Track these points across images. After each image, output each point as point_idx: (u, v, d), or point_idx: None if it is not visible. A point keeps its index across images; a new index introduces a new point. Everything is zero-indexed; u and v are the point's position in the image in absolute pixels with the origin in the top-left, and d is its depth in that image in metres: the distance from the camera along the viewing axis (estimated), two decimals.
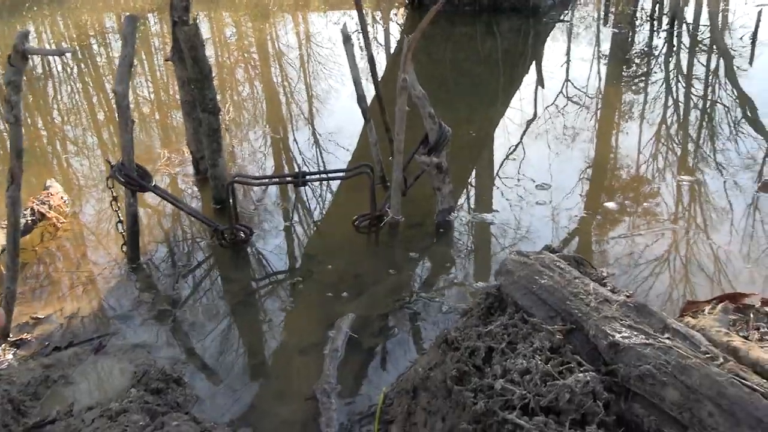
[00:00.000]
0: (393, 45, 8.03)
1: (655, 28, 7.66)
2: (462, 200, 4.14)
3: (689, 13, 8.16)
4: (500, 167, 4.53)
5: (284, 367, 2.86)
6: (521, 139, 4.96)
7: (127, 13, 10.28)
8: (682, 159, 4.55)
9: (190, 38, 3.43)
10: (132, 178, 3.37)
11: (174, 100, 6.59)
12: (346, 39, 3.73)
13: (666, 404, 1.78)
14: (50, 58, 8.20)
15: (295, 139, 5.30)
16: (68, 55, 8.18)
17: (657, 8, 8.24)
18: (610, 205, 3.91)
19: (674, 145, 4.83)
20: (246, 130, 5.55)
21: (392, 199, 3.69)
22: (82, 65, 8.02)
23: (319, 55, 7.76)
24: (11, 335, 3.03)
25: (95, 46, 8.86)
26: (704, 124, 5.13)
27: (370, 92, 4.72)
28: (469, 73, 6.65)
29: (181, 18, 3.51)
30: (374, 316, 3.10)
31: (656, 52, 6.92)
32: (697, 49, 6.90)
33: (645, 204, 3.94)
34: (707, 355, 1.82)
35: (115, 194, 3.45)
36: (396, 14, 9.32)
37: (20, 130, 2.49)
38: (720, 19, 7.95)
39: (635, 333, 1.95)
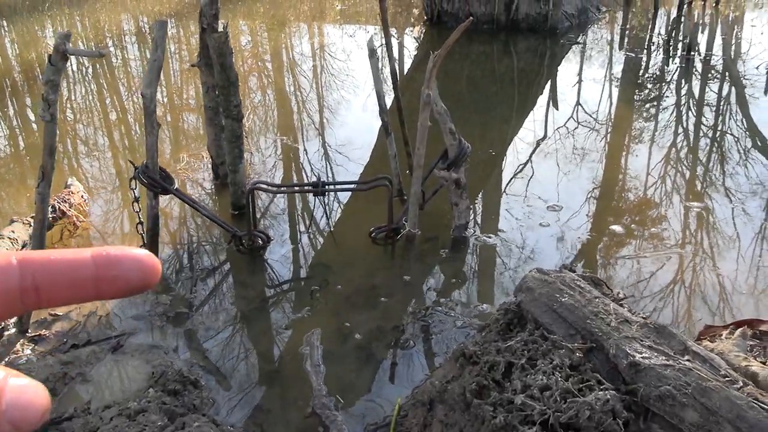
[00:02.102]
0: (407, 60, 8.11)
1: (669, 54, 7.73)
2: (473, 216, 4.18)
3: (704, 41, 8.24)
4: (508, 184, 4.57)
5: (298, 375, 2.89)
6: (530, 157, 5.01)
7: (144, 17, 10.39)
8: (690, 184, 4.59)
9: (220, 45, 3.49)
10: (155, 181, 3.41)
11: (188, 104, 6.66)
12: (372, 53, 3.79)
13: (685, 425, 1.81)
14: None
15: (305, 149, 5.36)
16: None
17: (672, 34, 8.33)
18: (617, 228, 3.95)
19: (683, 169, 4.87)
20: (257, 137, 5.61)
21: (410, 212, 3.73)
22: (97, 65, 8.10)
23: (332, 66, 7.84)
24: (30, 331, 3.07)
25: (111, 48, 8.95)
26: (714, 149, 5.17)
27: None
28: (485, 90, 6.71)
29: (210, 25, 3.57)
30: (389, 327, 3.13)
31: (669, 78, 6.99)
32: (709, 76, 6.97)
33: (652, 228, 3.97)
34: (727, 379, 1.85)
35: (137, 195, 3.50)
36: (412, 30, 9.40)
37: (55, 128, 2.54)
38: (734, 47, 8.02)
39: (655, 354, 1.98)
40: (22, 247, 3.58)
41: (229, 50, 3.54)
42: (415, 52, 8.37)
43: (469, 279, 3.54)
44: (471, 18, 3.23)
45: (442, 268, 3.62)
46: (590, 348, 2.12)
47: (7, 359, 2.89)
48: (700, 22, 9.13)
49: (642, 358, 1.96)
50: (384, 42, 4.24)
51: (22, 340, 3.02)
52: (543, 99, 6.52)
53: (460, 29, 3.09)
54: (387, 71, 4.32)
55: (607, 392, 1.94)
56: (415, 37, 9.09)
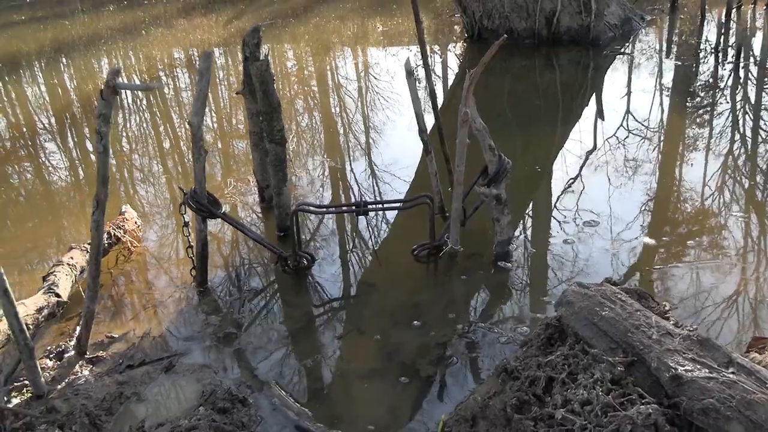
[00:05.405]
0: (450, 77, 8.15)
1: (719, 61, 7.55)
2: (519, 232, 4.16)
3: (756, 45, 8.02)
4: (558, 200, 4.54)
5: (344, 393, 2.93)
6: (580, 171, 4.96)
7: (193, 48, 10.75)
8: (749, 193, 4.46)
9: (262, 73, 3.61)
10: (203, 205, 3.53)
11: (236, 130, 6.85)
12: (409, 74, 3.85)
13: None
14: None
15: (352, 169, 5.43)
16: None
17: (722, 40, 8.13)
18: (668, 239, 3.87)
19: (741, 178, 4.74)
20: (304, 159, 5.73)
21: (451, 229, 3.75)
22: (151, 97, 8.40)
23: (377, 87, 7.94)
24: (88, 352, 3.21)
25: (164, 78, 9.28)
26: None
27: (427, 124, 4.80)
28: (528, 105, 6.69)
29: (252, 54, 3.69)
30: (432, 344, 3.15)
31: (722, 85, 6.82)
32: (766, 80, 6.76)
33: (708, 238, 3.88)
34: None
35: (187, 220, 3.62)
36: (454, 47, 9.46)
37: (108, 159, 2.68)
38: None
39: (698, 366, 1.94)
40: (81, 272, 3.75)
41: (271, 77, 3.65)
42: (457, 70, 8.41)
43: (512, 294, 3.53)
44: (505, 36, 3.25)
45: (485, 284, 3.62)
46: (632, 362, 2.10)
47: (66, 380, 3.02)
48: (750, 26, 8.89)
49: (684, 371, 1.94)
50: (422, 63, 4.30)
51: (80, 362, 3.16)
52: (589, 111, 6.45)
53: (494, 48, 3.12)
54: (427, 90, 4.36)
55: (648, 406, 1.91)
56: (457, 54, 9.14)
